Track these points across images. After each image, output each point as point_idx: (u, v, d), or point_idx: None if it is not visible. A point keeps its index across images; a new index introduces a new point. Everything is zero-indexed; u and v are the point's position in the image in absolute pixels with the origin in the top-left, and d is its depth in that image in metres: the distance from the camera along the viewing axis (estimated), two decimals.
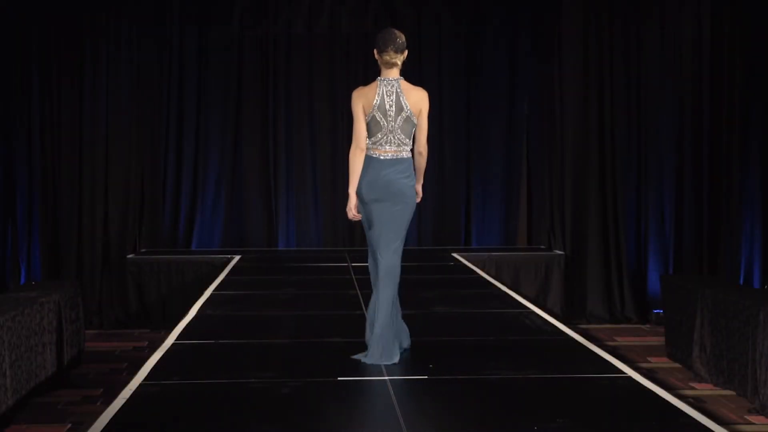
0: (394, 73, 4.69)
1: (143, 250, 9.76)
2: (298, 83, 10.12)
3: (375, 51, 4.72)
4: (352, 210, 4.77)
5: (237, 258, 9.06)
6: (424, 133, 4.74)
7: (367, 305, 5.24)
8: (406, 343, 4.96)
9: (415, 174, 4.79)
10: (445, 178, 10.21)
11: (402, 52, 4.67)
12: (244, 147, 10.14)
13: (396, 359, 4.70)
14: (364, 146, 4.66)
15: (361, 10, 10.14)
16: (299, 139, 10.12)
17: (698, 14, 9.52)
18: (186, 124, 10.07)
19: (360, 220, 4.88)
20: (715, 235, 9.47)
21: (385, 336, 4.69)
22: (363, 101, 4.65)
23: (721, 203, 9.45)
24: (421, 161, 4.81)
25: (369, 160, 4.69)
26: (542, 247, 9.93)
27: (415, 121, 4.69)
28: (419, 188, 4.88)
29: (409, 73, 10.13)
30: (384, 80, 4.68)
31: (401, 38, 4.67)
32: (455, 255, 9.15)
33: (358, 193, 4.73)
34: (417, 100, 4.68)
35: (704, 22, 9.50)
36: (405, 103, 4.65)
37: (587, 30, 9.66)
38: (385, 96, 4.64)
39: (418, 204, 4.91)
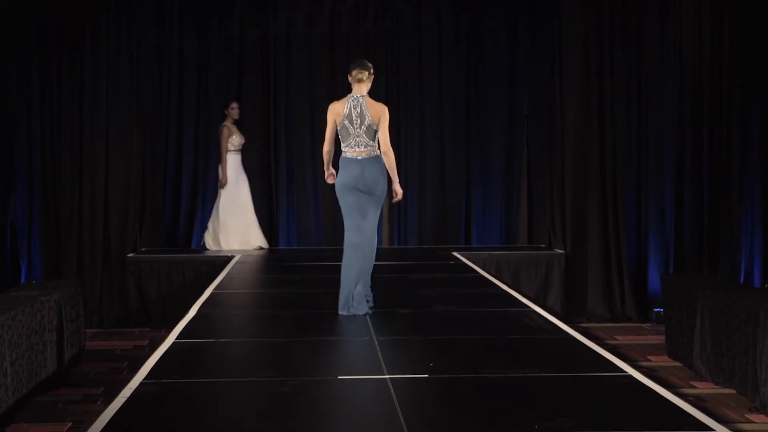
0: (362, 90, 5.91)
1: (143, 250, 9.76)
2: (298, 83, 10.14)
3: (348, 75, 5.96)
4: (328, 175, 6.06)
5: (237, 258, 9.06)
6: (385, 135, 5.87)
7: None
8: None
9: (383, 169, 5.92)
10: (445, 178, 10.22)
11: (366, 71, 5.91)
12: (244, 146, 10.14)
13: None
14: (328, 148, 5.99)
15: (361, 10, 10.15)
16: (299, 138, 10.14)
17: (698, 13, 9.52)
18: (186, 123, 10.08)
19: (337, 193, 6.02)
20: (715, 235, 9.47)
21: (363, 288, 5.98)
22: (334, 114, 5.91)
23: (721, 203, 9.45)
24: (388, 160, 5.90)
25: (346, 161, 5.90)
26: (542, 246, 9.94)
27: (376, 128, 5.84)
28: (397, 187, 5.99)
29: (409, 73, 10.26)
30: (352, 97, 5.90)
31: (368, 64, 5.97)
32: (456, 254, 9.15)
33: (345, 186, 5.88)
34: (376, 111, 5.86)
35: (704, 21, 9.50)
36: (367, 115, 5.84)
37: (587, 30, 9.66)
38: (352, 109, 5.86)
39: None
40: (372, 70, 5.97)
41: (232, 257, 9.07)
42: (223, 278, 7.79)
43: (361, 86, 5.91)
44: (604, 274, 9.58)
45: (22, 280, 9.41)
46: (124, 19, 9.67)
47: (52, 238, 9.56)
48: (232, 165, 9.56)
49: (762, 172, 9.37)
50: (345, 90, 10.17)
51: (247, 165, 10.14)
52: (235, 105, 9.65)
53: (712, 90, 9.49)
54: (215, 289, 7.16)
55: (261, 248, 9.63)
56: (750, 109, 9.38)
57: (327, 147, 5.99)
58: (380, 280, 7.48)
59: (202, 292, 7.03)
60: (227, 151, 9.54)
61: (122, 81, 9.69)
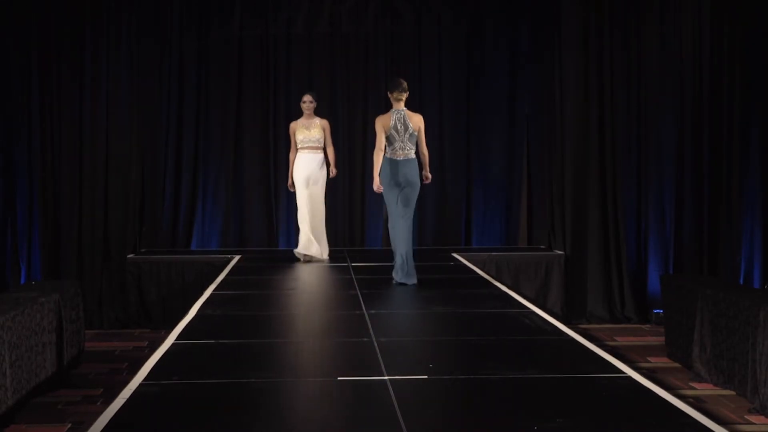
0: (401, 106, 7.31)
1: (143, 250, 9.76)
2: (298, 83, 10.12)
3: (387, 92, 7.39)
4: (376, 186, 7.32)
5: (237, 258, 9.06)
6: (423, 140, 7.39)
7: (366, 305, 6.32)
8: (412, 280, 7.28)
9: (420, 167, 7.39)
10: (445, 179, 10.22)
11: (405, 92, 7.31)
12: (244, 147, 10.16)
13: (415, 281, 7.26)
14: (381, 148, 7.26)
15: (361, 10, 10.15)
16: None
17: (698, 14, 9.53)
18: (186, 124, 10.07)
19: (383, 195, 7.42)
20: (715, 235, 9.48)
21: (409, 263, 7.25)
22: (382, 124, 7.26)
23: (721, 203, 9.45)
24: (424, 158, 7.46)
25: (391, 161, 7.27)
26: (542, 247, 9.94)
27: (416, 135, 7.32)
28: (428, 173, 7.49)
29: (409, 73, 10.23)
30: (395, 111, 7.31)
31: (405, 83, 7.35)
32: (455, 255, 9.15)
33: (389, 181, 7.24)
34: (416, 122, 7.32)
35: (704, 22, 9.51)
36: (409, 125, 7.27)
37: (587, 30, 9.67)
38: (397, 121, 7.26)
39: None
40: (407, 88, 7.34)
41: (232, 257, 9.07)
42: (223, 278, 7.79)
43: (401, 103, 7.30)
44: (603, 275, 9.59)
45: (22, 281, 9.42)
46: (124, 19, 9.68)
47: (51, 238, 9.56)
48: (299, 164, 8.78)
49: (762, 173, 9.38)
50: (345, 90, 10.16)
51: (248, 164, 10.14)
52: (305, 98, 8.85)
53: (712, 90, 9.50)
54: (215, 289, 7.16)
55: (312, 258, 8.75)
56: (750, 109, 9.39)
57: (379, 150, 7.26)
58: (381, 280, 7.50)
59: (202, 293, 7.03)
60: (296, 148, 8.81)
61: (122, 81, 9.70)
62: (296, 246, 8.95)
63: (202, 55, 10.07)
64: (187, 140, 10.08)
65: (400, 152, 7.25)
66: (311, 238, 8.77)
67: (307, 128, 8.77)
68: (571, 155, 9.71)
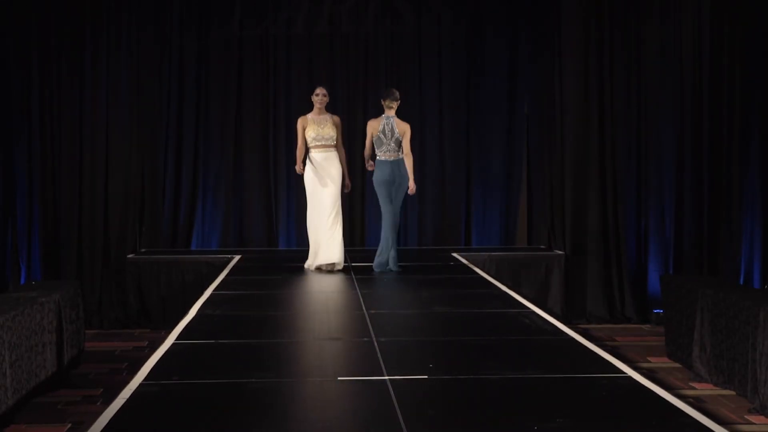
0: (391, 113, 7.99)
1: (143, 250, 9.76)
2: (298, 83, 10.12)
3: (381, 99, 8.06)
4: (369, 166, 8.20)
5: (237, 258, 9.06)
6: (407, 145, 7.97)
7: (366, 305, 6.35)
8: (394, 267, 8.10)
9: (406, 168, 7.99)
10: (445, 178, 10.22)
11: (396, 101, 8.01)
12: (244, 147, 10.15)
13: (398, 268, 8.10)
14: (369, 152, 8.12)
15: (361, 10, 10.15)
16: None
17: (698, 14, 9.52)
18: (186, 124, 10.07)
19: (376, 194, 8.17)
20: (715, 235, 9.47)
21: (393, 253, 8.08)
22: (372, 128, 8.01)
23: (721, 203, 9.45)
24: (408, 161, 7.99)
25: (383, 163, 8.00)
26: (542, 247, 9.93)
27: (401, 139, 7.96)
28: (412, 183, 7.99)
29: (409, 73, 10.21)
30: (386, 117, 7.99)
31: (396, 93, 8.07)
32: (455, 255, 9.15)
33: (381, 180, 8.00)
34: (402, 128, 7.98)
35: (704, 22, 9.51)
36: (395, 130, 7.96)
37: (587, 30, 9.67)
38: (385, 126, 7.96)
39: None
40: (399, 98, 8.04)
41: (232, 257, 9.07)
42: (223, 279, 7.79)
43: (391, 110, 7.97)
44: (603, 275, 9.58)
45: (22, 281, 9.42)
46: (124, 19, 9.68)
47: (51, 239, 9.56)
48: (313, 164, 8.04)
49: (762, 174, 9.37)
50: (345, 90, 10.14)
51: (248, 164, 10.14)
52: (317, 91, 8.11)
53: (712, 90, 9.49)
54: (215, 289, 7.16)
55: (323, 268, 8.03)
56: (750, 109, 9.38)
57: (368, 152, 8.16)
58: (380, 280, 7.50)
59: (201, 293, 7.03)
60: (305, 145, 8.04)
61: (122, 81, 9.70)
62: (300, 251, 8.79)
63: (202, 55, 10.07)
64: (187, 140, 10.08)
65: (389, 154, 7.99)
66: (320, 246, 8.04)
67: (320, 125, 8.03)
68: (571, 155, 9.71)
